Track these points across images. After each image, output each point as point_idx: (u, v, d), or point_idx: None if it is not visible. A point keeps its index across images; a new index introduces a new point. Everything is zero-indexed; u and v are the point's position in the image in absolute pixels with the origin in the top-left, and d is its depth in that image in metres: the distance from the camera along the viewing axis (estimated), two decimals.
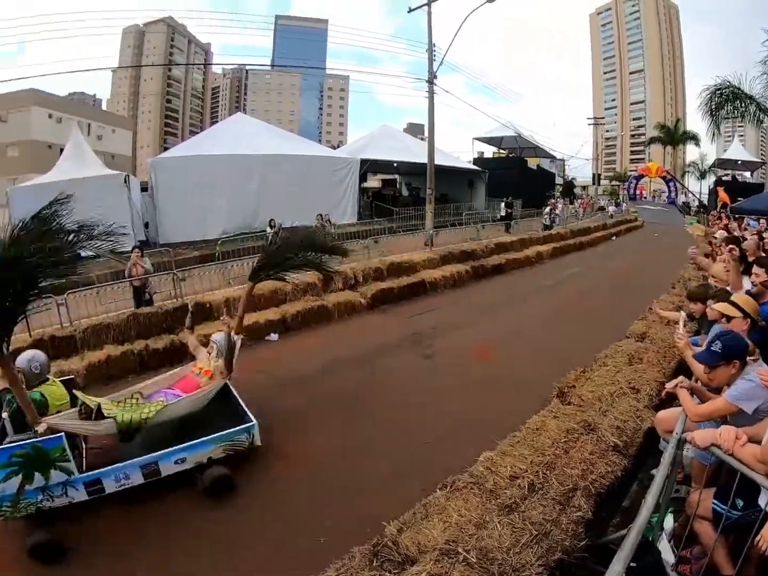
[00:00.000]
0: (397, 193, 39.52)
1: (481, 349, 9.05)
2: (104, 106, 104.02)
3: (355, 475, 5.16)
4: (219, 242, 17.62)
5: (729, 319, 3.98)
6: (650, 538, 3.15)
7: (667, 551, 3.05)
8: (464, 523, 3.49)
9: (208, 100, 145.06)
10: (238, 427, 5.10)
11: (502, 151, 51.37)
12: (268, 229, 17.42)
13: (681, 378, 3.72)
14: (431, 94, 20.77)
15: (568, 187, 67.08)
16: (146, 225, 22.76)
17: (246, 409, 5.44)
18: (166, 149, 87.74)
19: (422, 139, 32.30)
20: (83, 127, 40.71)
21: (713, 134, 23.25)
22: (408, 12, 21.67)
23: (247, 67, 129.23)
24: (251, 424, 5.18)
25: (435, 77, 20.94)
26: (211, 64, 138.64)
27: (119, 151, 62.42)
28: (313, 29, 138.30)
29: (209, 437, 4.94)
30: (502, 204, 27.69)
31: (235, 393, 5.76)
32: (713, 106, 21.82)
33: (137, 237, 20.85)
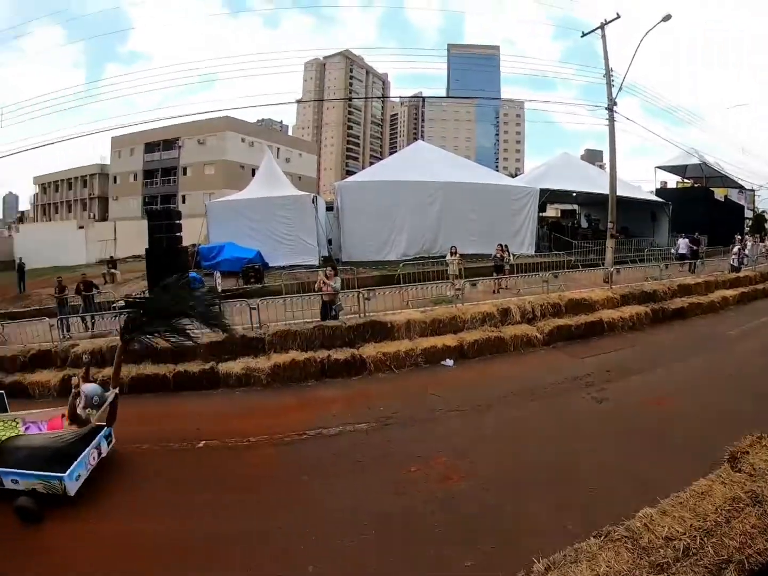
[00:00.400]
0: (576, 224, 38.44)
1: (654, 399, 8.68)
2: (290, 132, 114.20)
3: (511, 511, 5.36)
4: (400, 265, 18.58)
5: None
6: None
7: None
8: (611, 572, 3.58)
9: (387, 126, 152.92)
10: (46, 473, 5.71)
11: (686, 180, 48.01)
12: (449, 256, 17.89)
13: None
14: (611, 121, 20.45)
15: (759, 222, 60.53)
16: (329, 242, 24.74)
17: (78, 461, 5.87)
18: (348, 172, 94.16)
19: (601, 166, 31.32)
20: (273, 151, 45.53)
21: None
22: (581, 36, 21.70)
23: (423, 96, 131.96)
24: (59, 475, 5.68)
25: (615, 104, 20.63)
26: (387, 97, 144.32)
27: (305, 173, 70.00)
28: (485, 56, 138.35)
29: (27, 471, 5.72)
30: (680, 240, 25.02)
31: (93, 443, 6.26)
32: None
33: (322, 253, 23.16)
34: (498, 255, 18.70)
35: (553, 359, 11.15)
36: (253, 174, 34.50)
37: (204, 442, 7.29)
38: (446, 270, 17.69)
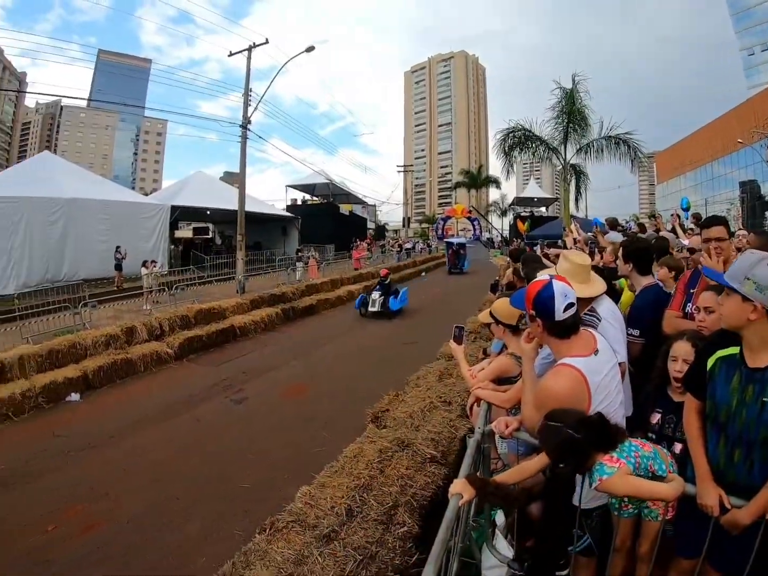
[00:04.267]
0: (210, 241, 38.84)
1: (292, 389, 9.08)
2: None
3: (168, 541, 4.73)
4: (15, 296, 15.84)
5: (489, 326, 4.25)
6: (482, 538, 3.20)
7: (504, 548, 3.07)
8: (284, 562, 3.30)
9: (17, 135, 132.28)
10: None
11: (315, 198, 52.42)
12: (143, 270, 17.71)
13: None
14: (244, 138, 20.83)
15: (380, 232, 70.40)
16: None
17: None
18: None
19: (237, 187, 32.20)
20: None
21: (507, 172, 26.34)
22: (228, 56, 21.95)
23: (63, 102, 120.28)
24: None
25: (249, 122, 21.03)
26: (26, 92, 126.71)
27: None
28: (135, 67, 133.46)
29: None
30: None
31: None
32: (506, 147, 24.56)
33: None
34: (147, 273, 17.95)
35: (187, 372, 10.79)
36: None
37: None
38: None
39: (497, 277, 15.64)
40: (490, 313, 3.86)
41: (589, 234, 9.05)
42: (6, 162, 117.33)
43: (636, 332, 3.65)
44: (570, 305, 2.47)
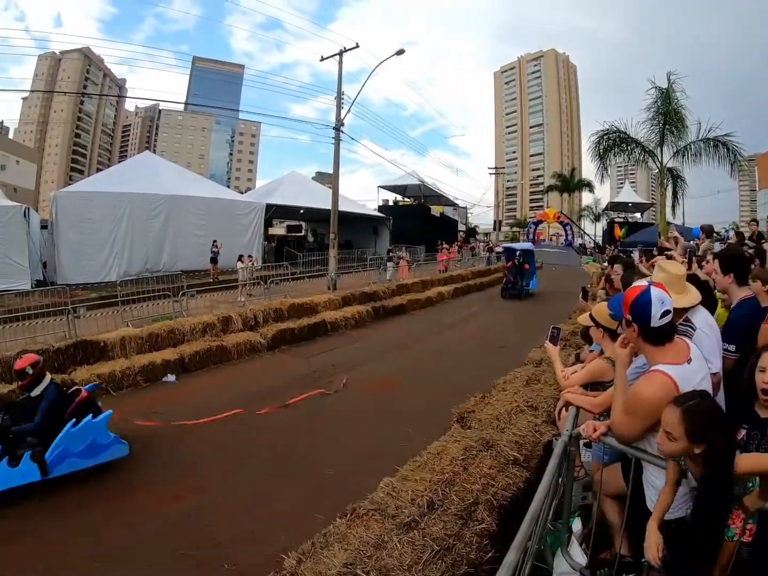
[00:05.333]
0: (303, 239, 39.66)
1: (379, 384, 9.18)
2: (11, 135, 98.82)
3: (257, 514, 4.97)
4: (117, 284, 16.81)
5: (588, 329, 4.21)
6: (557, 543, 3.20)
7: (578, 555, 3.08)
8: (362, 545, 3.39)
9: (118, 137, 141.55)
10: None
11: (406, 199, 52.53)
12: (239, 263, 18.93)
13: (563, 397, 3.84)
14: (337, 140, 21.25)
15: (470, 234, 69.71)
16: (44, 264, 21.59)
17: None
18: (69, 186, 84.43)
19: (329, 187, 32.89)
20: None
21: (602, 176, 25.26)
22: (320, 60, 22.13)
23: (161, 106, 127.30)
24: None
25: (342, 124, 21.46)
26: (122, 96, 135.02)
27: (23, 184, 59.04)
28: (229, 73, 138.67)
29: None
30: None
31: None
32: (601, 150, 23.66)
33: (35, 276, 19.75)
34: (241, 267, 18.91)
35: (278, 362, 11.12)
36: None
37: None
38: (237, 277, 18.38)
39: (589, 284, 15.28)
40: (591, 316, 3.84)
41: (691, 242, 8.76)
42: (108, 161, 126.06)
43: (732, 347, 3.49)
44: (666, 312, 2.46)
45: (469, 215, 73.72)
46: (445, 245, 34.07)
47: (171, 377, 9.61)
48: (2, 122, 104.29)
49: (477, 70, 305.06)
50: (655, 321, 2.46)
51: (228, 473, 5.79)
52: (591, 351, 4.91)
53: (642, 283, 2.66)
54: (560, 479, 3.11)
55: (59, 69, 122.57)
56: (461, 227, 62.84)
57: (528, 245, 26.02)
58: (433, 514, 3.71)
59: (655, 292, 2.49)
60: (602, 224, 65.78)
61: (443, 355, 11.41)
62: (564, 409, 3.80)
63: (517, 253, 21.83)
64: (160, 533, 4.67)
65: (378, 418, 7.46)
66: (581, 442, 3.37)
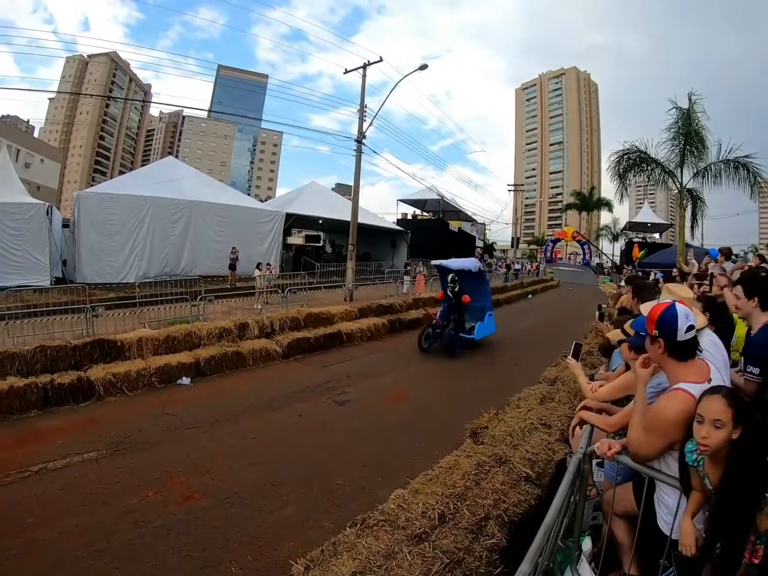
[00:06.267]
0: (321, 249, 39.84)
1: (393, 396, 9.21)
2: (36, 134, 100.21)
3: (261, 521, 4.98)
4: (136, 285, 17.04)
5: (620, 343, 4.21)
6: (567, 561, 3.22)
7: (587, 573, 3.08)
8: (372, 555, 3.40)
9: (142, 141, 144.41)
10: None
11: (425, 213, 52.59)
12: (256, 271, 19.10)
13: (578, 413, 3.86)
14: (359, 152, 21.39)
15: (488, 250, 69.68)
16: (64, 262, 21.91)
17: None
18: (92, 186, 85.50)
19: (349, 198, 33.13)
20: (12, 152, 38.77)
21: (621, 196, 25.14)
22: (344, 73, 22.54)
23: (185, 112, 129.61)
24: None
25: (364, 137, 21.57)
26: (150, 102, 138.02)
27: (46, 183, 59.35)
28: (253, 82, 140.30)
29: None
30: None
31: None
32: (621, 170, 23.55)
33: (54, 273, 20.09)
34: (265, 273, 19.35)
35: (293, 370, 11.16)
36: None
37: None
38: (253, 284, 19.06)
39: (605, 304, 15.22)
40: (623, 331, 3.86)
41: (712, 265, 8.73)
42: (131, 164, 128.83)
43: (756, 370, 3.49)
44: (691, 327, 2.55)
45: (487, 231, 73.81)
46: None
47: (186, 380, 9.70)
48: (28, 121, 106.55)
49: (498, 86, 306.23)
50: (681, 335, 2.54)
51: (238, 477, 5.82)
52: (614, 370, 4.92)
53: (666, 300, 2.78)
54: (573, 497, 3.11)
55: (86, 72, 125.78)
56: (479, 243, 62.85)
57: (471, 263, 14.71)
58: (444, 527, 3.71)
59: (680, 307, 2.59)
60: (620, 244, 65.45)
61: (457, 371, 11.43)
62: (578, 426, 3.82)
63: (449, 277, 13.38)
64: (167, 533, 4.71)
65: (390, 431, 7.46)
66: (594, 461, 3.38)
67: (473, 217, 59.23)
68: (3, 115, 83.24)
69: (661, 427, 2.52)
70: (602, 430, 3.42)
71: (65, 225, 23.30)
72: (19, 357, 8.87)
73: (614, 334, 4.23)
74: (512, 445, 5.15)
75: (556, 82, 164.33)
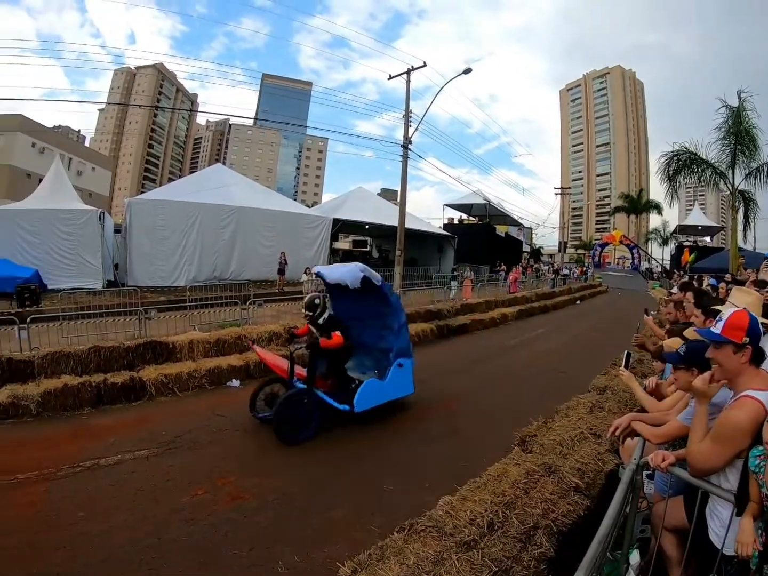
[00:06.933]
0: (367, 254, 40.00)
1: (443, 402, 9.22)
2: (87, 143, 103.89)
3: (313, 520, 5.06)
4: (187, 288, 17.42)
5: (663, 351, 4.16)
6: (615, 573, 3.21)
7: None
8: (420, 561, 3.41)
9: (190, 149, 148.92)
10: None
11: (471, 218, 52.34)
12: (304, 276, 19.52)
13: (627, 416, 3.84)
14: (405, 158, 21.51)
15: (535, 255, 68.91)
16: (116, 266, 22.66)
17: None
18: (143, 193, 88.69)
19: (395, 203, 33.17)
20: (65, 161, 40.19)
21: (671, 198, 24.45)
22: (388, 79, 22.54)
23: (231, 121, 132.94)
24: None
25: (410, 142, 21.67)
26: (198, 111, 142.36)
27: (97, 190, 61.98)
28: (297, 89, 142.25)
29: None
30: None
31: None
32: (671, 172, 22.92)
33: (106, 276, 20.85)
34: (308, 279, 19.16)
35: None
36: None
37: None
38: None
39: (656, 310, 14.92)
40: (682, 338, 3.88)
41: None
42: (179, 171, 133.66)
43: None
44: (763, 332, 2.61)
45: (533, 236, 73.03)
46: (503, 266, 33.66)
47: (235, 382, 9.94)
48: (79, 131, 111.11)
49: (542, 87, 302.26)
50: (763, 341, 2.59)
51: (286, 478, 5.93)
52: (661, 380, 4.84)
53: (740, 308, 2.80)
54: (624, 509, 3.09)
55: (134, 83, 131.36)
56: (525, 248, 62.21)
57: (349, 272, 8.12)
58: (492, 535, 3.70)
59: (752, 314, 2.62)
60: (670, 248, 63.89)
61: (505, 377, 11.33)
62: (630, 437, 3.79)
63: (317, 300, 7.77)
64: (215, 531, 4.83)
65: (438, 437, 7.45)
66: (644, 472, 3.35)
67: (520, 221, 58.65)
68: (55, 126, 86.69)
69: (732, 436, 2.50)
70: (648, 441, 3.40)
71: (117, 230, 24.14)
72: (73, 357, 9.25)
73: (672, 342, 4.16)
74: (562, 454, 5.10)
75: (601, 82, 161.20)
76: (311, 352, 7.40)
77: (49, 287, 19.08)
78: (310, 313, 7.68)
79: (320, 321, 7.68)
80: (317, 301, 7.71)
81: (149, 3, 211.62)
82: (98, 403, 8.50)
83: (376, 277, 8.12)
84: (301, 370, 7.66)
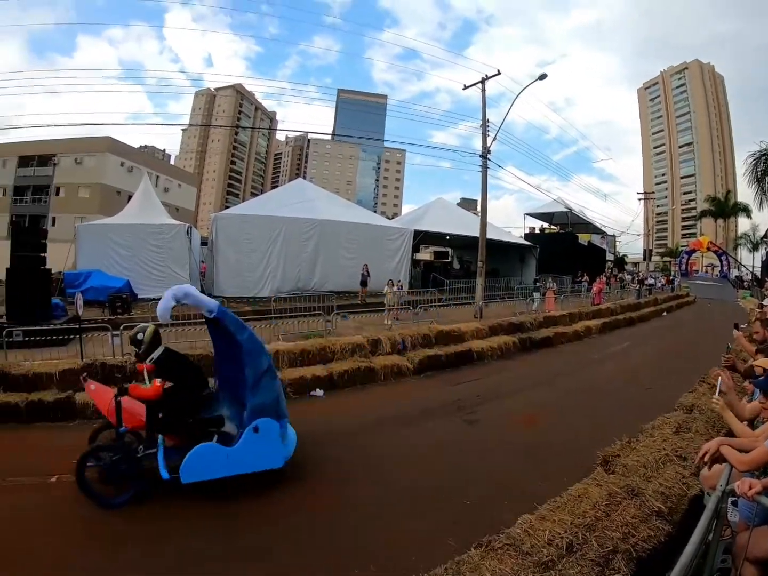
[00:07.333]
0: (449, 265, 39.90)
1: (524, 417, 9.08)
2: (172, 162, 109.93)
3: (388, 532, 5.14)
4: (273, 299, 17.96)
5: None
6: None
7: None
8: None
9: (270, 164, 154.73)
10: None
11: (553, 227, 51.33)
12: (386, 288, 19.48)
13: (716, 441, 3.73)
14: (485, 168, 21.36)
15: (619, 264, 66.61)
16: (202, 276, 23.88)
17: None
18: (227, 207, 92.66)
19: (475, 213, 32.90)
20: (152, 179, 42.96)
21: (760, 201, 23.07)
22: (463, 89, 22.54)
23: (309, 136, 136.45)
24: None
25: (489, 152, 21.48)
26: (274, 129, 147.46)
27: (183, 205, 66.30)
28: (372, 103, 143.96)
29: None
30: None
31: None
32: (759, 173, 21.67)
33: (194, 286, 21.86)
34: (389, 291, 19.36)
35: (423, 387, 11.28)
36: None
37: (57, 476, 6.37)
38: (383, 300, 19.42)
39: (746, 323, 14.28)
40: None
41: None
42: (261, 186, 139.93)
43: None
44: None
45: (617, 243, 70.67)
46: (586, 276, 32.81)
47: (319, 392, 10.23)
48: (164, 150, 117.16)
49: (619, 87, 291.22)
50: None
51: (369, 489, 6.08)
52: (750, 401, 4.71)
53: None
54: (707, 537, 3.06)
55: (215, 104, 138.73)
56: (609, 256, 60.30)
57: (164, 299, 6.06)
58: (571, 557, 3.67)
59: None
60: (761, 254, 60.09)
61: (588, 393, 11.03)
62: (717, 462, 3.72)
63: (139, 335, 6.13)
64: (297, 534, 5.04)
65: (518, 453, 7.38)
66: (729, 499, 3.30)
67: (602, 228, 57.00)
68: (141, 146, 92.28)
69: None
70: (734, 467, 3.32)
71: (203, 243, 25.33)
72: None
73: (763, 363, 4.07)
74: (645, 476, 4.96)
75: (679, 78, 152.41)
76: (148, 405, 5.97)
77: (139, 296, 20.64)
78: (136, 350, 6.22)
79: (149, 361, 6.13)
80: (140, 335, 6.10)
81: (224, 28, 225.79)
82: None
83: (207, 305, 6.42)
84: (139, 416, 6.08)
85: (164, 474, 5.57)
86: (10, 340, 11.13)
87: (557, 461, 6.94)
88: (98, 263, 21.45)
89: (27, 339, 11.44)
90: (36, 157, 53.49)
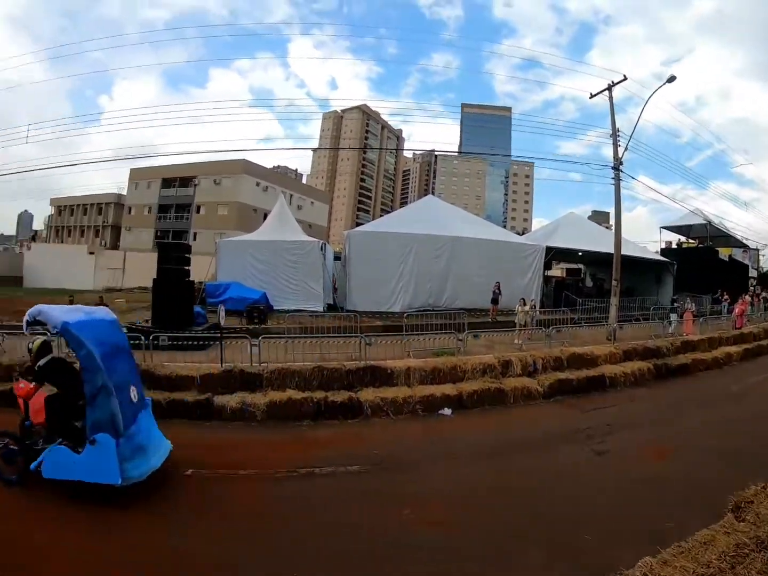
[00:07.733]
0: (581, 283, 38.78)
1: (654, 450, 8.70)
2: (304, 181, 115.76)
3: (501, 558, 5.23)
4: (404, 315, 18.26)
5: None
6: None
7: None
8: None
9: (399, 181, 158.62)
10: None
11: (690, 240, 48.25)
12: (518, 306, 19.00)
13: None
14: (617, 181, 20.48)
15: (763, 281, 60.66)
16: (335, 290, 24.97)
17: None
18: (358, 223, 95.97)
19: (607, 227, 31.68)
20: (286, 197, 45.81)
21: None
22: (590, 97, 21.67)
23: (436, 153, 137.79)
24: None
25: (621, 163, 20.53)
26: (401, 149, 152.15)
27: (316, 221, 70.92)
28: (497, 116, 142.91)
29: None
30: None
31: None
32: None
33: (327, 300, 23.70)
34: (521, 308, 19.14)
35: (553, 412, 11.14)
36: (265, 218, 34.37)
37: (192, 470, 7.14)
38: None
39: None
40: None
41: None
42: (390, 202, 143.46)
43: None
44: None
45: (761, 257, 64.64)
46: (727, 295, 30.46)
47: (447, 411, 10.48)
48: (296, 170, 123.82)
49: (753, 81, 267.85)
50: None
51: (490, 512, 6.24)
52: None
53: None
54: None
55: (342, 124, 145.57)
56: (752, 272, 55.32)
57: (30, 312, 6.88)
58: None
59: None
60: None
61: (724, 428, 10.10)
62: None
63: (29, 345, 7.27)
64: (407, 550, 5.31)
65: (645, 489, 7.07)
66: None
67: (744, 241, 52.18)
68: (274, 166, 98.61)
69: None
70: None
71: (337, 257, 26.58)
72: (298, 374, 10.82)
73: None
74: None
75: None
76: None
77: (275, 308, 22.23)
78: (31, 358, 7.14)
79: (36, 367, 6.93)
80: (30, 345, 7.08)
81: (344, 52, 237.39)
82: (317, 417, 9.84)
83: (53, 322, 6.70)
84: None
85: (32, 465, 6.39)
86: (156, 343, 12.50)
87: (686, 501, 6.65)
88: (237, 275, 23.59)
89: (171, 343, 12.91)
90: (178, 179, 61.94)
